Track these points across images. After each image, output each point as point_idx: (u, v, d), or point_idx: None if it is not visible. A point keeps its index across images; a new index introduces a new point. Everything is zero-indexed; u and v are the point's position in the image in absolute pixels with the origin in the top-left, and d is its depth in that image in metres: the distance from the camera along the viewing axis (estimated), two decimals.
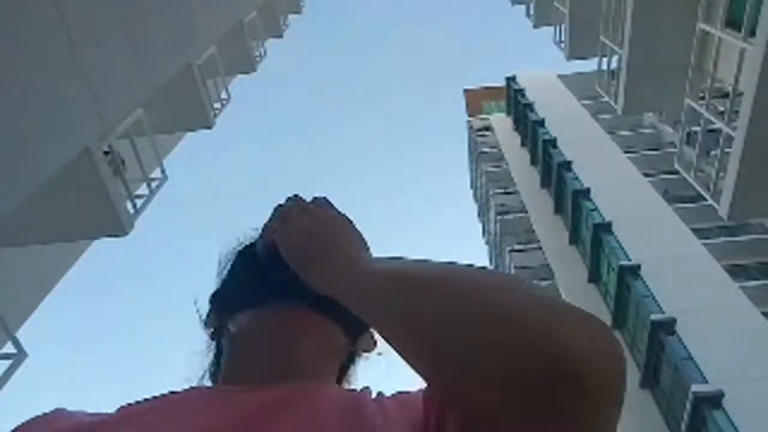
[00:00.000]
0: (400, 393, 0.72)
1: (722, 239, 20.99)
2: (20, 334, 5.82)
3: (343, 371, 0.86)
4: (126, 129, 7.13)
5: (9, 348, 5.35)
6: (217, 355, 0.88)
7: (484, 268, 0.59)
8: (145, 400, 0.73)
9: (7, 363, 5.19)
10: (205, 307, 0.89)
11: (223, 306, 0.85)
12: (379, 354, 0.87)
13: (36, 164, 4.97)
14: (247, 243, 0.87)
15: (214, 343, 0.89)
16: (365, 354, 0.87)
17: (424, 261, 0.62)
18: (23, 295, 7.96)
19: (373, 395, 0.72)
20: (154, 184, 7.94)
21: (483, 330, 0.49)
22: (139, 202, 7.39)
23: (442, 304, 0.54)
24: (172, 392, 0.75)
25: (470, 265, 0.59)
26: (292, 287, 0.76)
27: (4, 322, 5.32)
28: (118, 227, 6.36)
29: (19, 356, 5.24)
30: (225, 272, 0.87)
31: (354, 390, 0.75)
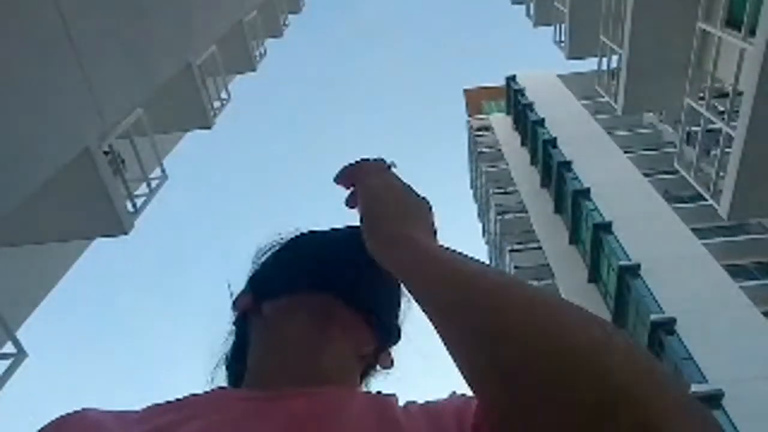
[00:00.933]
0: (426, 403, 0.72)
1: (722, 239, 21.00)
2: (20, 334, 5.82)
3: (360, 382, 0.86)
4: (126, 129, 7.13)
5: (9, 348, 5.35)
6: (237, 343, 0.86)
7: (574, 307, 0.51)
8: (169, 403, 0.72)
9: (6, 363, 5.19)
10: (237, 289, 0.87)
11: (261, 288, 0.83)
12: (393, 374, 0.87)
13: (36, 164, 4.97)
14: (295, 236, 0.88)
15: (236, 329, 0.87)
16: (383, 370, 0.87)
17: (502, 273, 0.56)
18: (23, 295, 7.96)
19: (401, 404, 0.71)
20: (154, 184, 7.94)
21: (558, 370, 0.44)
22: (139, 201, 7.39)
23: (518, 326, 0.48)
24: (196, 395, 0.73)
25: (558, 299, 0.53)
26: (341, 281, 0.76)
27: (4, 321, 5.31)
28: (118, 227, 6.36)
29: (19, 356, 5.24)
30: (275, 253, 0.87)
31: (381, 394, 0.74)
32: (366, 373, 0.86)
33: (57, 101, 5.26)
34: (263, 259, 0.88)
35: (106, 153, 6.43)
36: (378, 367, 0.87)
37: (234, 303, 0.87)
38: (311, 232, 0.87)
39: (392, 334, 0.83)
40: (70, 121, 5.48)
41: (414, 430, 0.64)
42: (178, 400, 0.72)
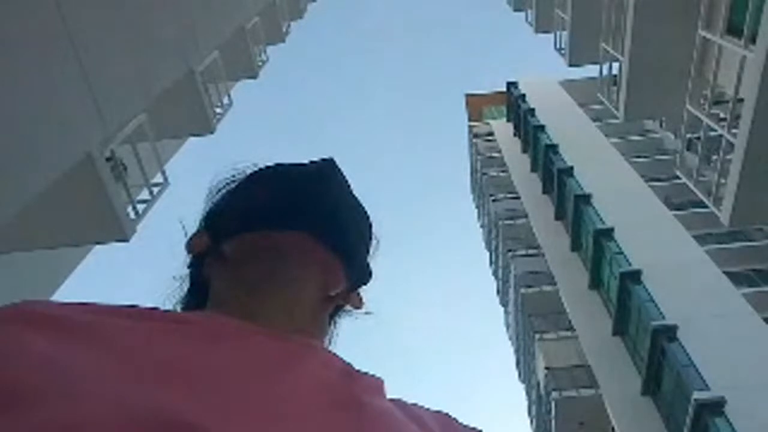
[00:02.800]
0: (437, 413, 0.70)
1: (724, 246, 20.96)
2: None
3: (329, 323, 0.81)
4: (128, 134, 7.14)
5: None
6: (193, 288, 0.80)
7: None
8: (126, 308, 0.63)
9: None
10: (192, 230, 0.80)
11: (220, 225, 0.75)
12: (368, 314, 0.83)
13: (38, 170, 4.99)
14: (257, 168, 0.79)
15: (188, 273, 0.81)
16: (354, 310, 0.83)
17: None
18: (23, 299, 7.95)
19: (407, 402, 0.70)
20: (155, 190, 7.95)
21: None
22: (140, 207, 7.39)
23: None
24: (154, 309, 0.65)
25: None
26: (311, 217, 0.71)
27: None
28: (120, 233, 6.36)
29: None
30: (231, 191, 0.79)
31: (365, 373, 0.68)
32: (335, 314, 0.82)
33: (59, 107, 5.28)
34: (219, 196, 0.80)
35: (108, 159, 6.45)
36: (351, 309, 0.82)
37: (188, 243, 0.78)
38: (274, 165, 0.79)
39: (364, 274, 0.79)
40: (72, 127, 5.49)
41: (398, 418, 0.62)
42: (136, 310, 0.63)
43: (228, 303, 0.70)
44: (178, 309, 0.80)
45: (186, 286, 0.81)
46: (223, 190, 0.80)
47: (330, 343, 0.83)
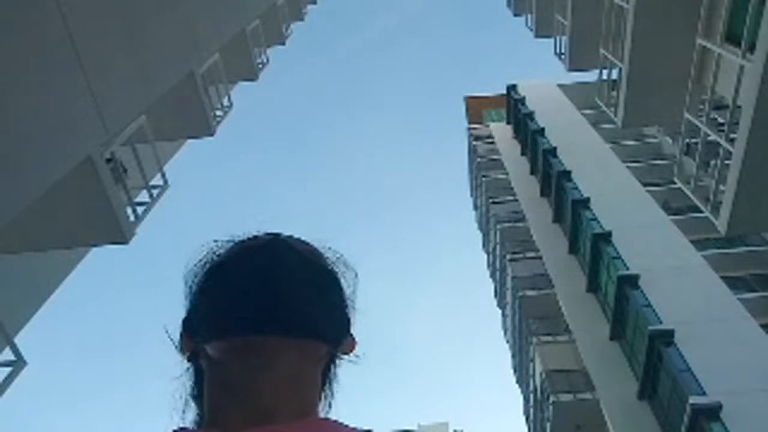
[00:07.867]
0: None
1: (720, 251, 20.99)
2: (19, 343, 5.82)
3: (325, 375, 0.87)
4: (128, 136, 7.16)
5: (8, 355, 5.35)
6: (197, 377, 0.86)
7: None
8: None
9: (5, 371, 5.18)
10: (177, 331, 0.86)
11: (196, 333, 0.82)
12: (357, 357, 0.88)
13: (39, 172, 5.00)
14: (214, 260, 0.85)
15: (191, 366, 0.87)
16: (346, 356, 0.87)
17: None
18: (22, 301, 7.96)
19: None
20: (155, 192, 7.96)
21: None
22: (140, 209, 7.40)
23: None
24: None
25: None
26: (265, 317, 0.76)
27: (3, 328, 5.32)
28: (119, 235, 6.38)
29: (18, 364, 5.24)
30: (195, 294, 0.84)
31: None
32: (331, 365, 0.87)
33: (60, 109, 5.29)
34: (194, 287, 0.85)
35: (108, 161, 6.46)
36: (343, 356, 0.87)
37: (179, 348, 0.86)
38: (235, 254, 0.84)
39: (341, 330, 0.83)
40: (72, 129, 5.50)
41: None
42: None
43: (215, 398, 0.79)
44: (190, 400, 0.87)
45: (191, 378, 0.87)
46: (194, 283, 0.85)
47: (332, 395, 0.88)
